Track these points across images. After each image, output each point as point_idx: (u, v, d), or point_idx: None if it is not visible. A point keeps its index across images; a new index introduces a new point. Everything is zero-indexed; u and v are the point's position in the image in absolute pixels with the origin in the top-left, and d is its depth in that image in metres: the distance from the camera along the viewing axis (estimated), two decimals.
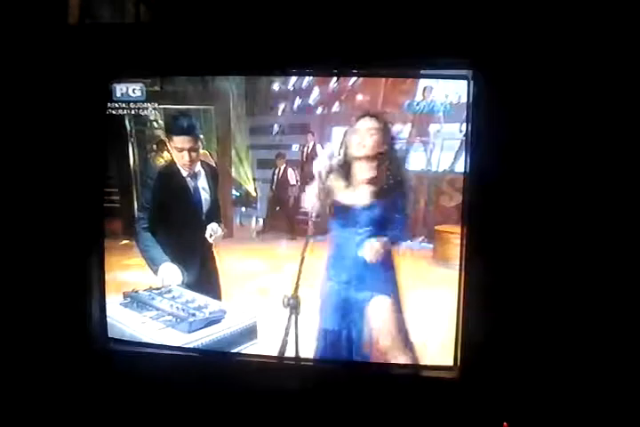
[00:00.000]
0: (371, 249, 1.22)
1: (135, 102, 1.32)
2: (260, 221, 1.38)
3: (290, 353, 1.27)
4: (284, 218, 1.35)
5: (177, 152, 1.38)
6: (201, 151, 1.38)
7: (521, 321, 1.15)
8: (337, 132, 1.27)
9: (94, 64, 1.28)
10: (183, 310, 1.32)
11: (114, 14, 1.51)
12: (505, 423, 1.13)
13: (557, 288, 1.14)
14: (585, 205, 1.11)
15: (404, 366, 1.25)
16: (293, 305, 1.23)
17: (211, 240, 1.37)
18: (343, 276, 1.25)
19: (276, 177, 1.37)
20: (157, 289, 1.39)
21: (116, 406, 1.29)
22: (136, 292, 1.40)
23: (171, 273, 1.38)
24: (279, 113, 1.31)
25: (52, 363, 1.33)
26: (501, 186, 1.13)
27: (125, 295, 1.40)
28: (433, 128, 1.23)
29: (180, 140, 1.36)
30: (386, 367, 1.26)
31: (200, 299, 1.36)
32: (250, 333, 1.31)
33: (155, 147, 1.40)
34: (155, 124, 1.38)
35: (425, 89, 1.20)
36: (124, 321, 1.35)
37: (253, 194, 1.38)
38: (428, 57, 1.16)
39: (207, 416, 1.28)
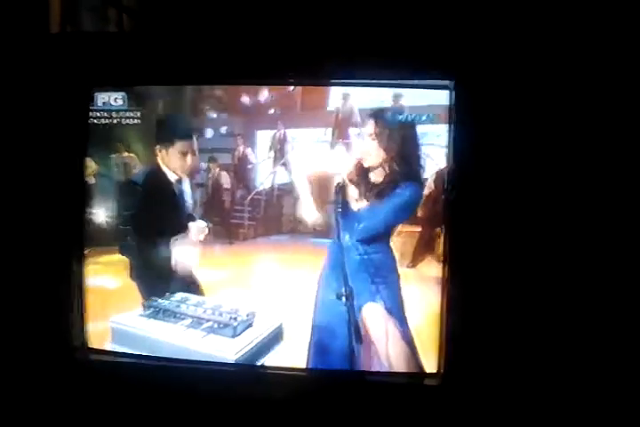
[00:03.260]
0: None
1: (117, 111, 1.30)
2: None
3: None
4: (220, 222, 1.34)
5: (179, 156, 1.34)
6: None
7: (507, 327, 1.14)
8: (262, 135, 1.32)
9: (75, 73, 1.25)
10: (220, 314, 1.26)
11: (96, 23, 1.49)
12: None
13: (545, 292, 1.09)
14: (566, 206, 1.15)
15: (386, 373, 1.23)
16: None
17: (199, 238, 1.32)
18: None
19: (210, 181, 1.36)
20: (174, 298, 1.32)
21: (96, 416, 1.22)
22: (155, 300, 1.31)
23: None
24: (207, 117, 1.33)
25: (30, 372, 1.24)
26: (483, 195, 1.15)
27: (145, 306, 1.30)
28: None
29: (184, 145, 1.33)
30: (366, 375, 1.25)
31: (225, 302, 1.30)
32: (278, 337, 1.29)
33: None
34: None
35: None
36: (154, 333, 1.27)
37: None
38: (408, 67, 1.16)
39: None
